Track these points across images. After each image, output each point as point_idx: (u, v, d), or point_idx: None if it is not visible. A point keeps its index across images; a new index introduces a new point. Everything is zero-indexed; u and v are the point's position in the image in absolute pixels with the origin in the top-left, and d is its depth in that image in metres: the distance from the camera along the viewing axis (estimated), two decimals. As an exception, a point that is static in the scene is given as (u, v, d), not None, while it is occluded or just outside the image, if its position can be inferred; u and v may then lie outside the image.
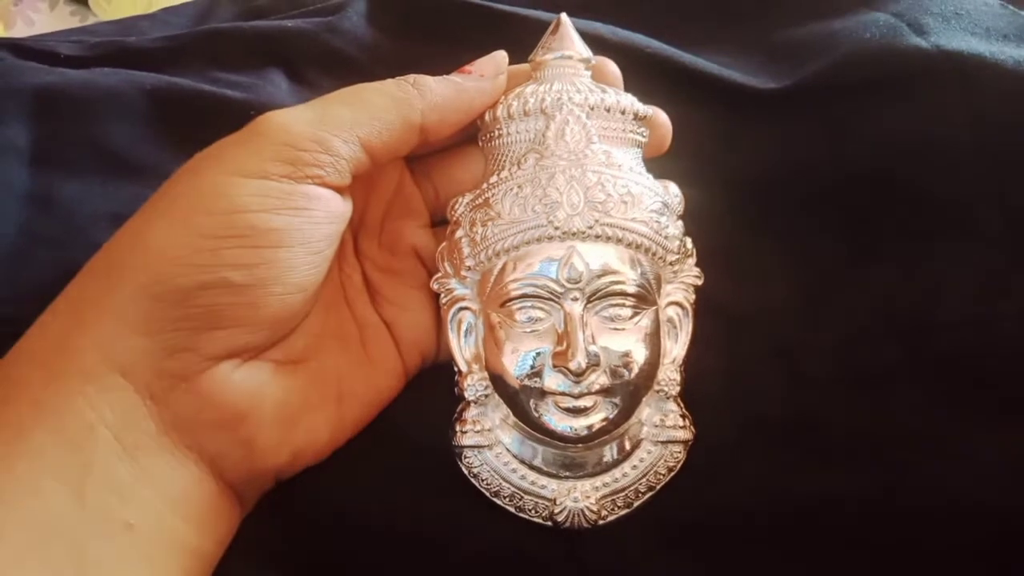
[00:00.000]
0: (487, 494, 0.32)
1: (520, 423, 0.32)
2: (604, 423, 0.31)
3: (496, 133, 0.33)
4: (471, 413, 0.33)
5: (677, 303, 0.33)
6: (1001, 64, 0.34)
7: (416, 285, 0.35)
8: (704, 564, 0.32)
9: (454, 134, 0.34)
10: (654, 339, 0.32)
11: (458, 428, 0.33)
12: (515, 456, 0.33)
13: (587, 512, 0.31)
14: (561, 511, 0.32)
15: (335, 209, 0.30)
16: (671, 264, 0.33)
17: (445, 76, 0.33)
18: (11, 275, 0.36)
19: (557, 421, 0.31)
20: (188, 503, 0.28)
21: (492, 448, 0.32)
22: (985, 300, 0.33)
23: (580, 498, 0.32)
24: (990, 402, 0.32)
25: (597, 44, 0.36)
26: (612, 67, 0.35)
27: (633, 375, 0.31)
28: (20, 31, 0.72)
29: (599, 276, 0.31)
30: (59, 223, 0.38)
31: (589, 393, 0.31)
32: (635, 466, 0.32)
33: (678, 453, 0.32)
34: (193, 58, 0.46)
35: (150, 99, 0.42)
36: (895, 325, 0.34)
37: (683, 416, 0.33)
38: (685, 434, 0.32)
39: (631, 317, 0.31)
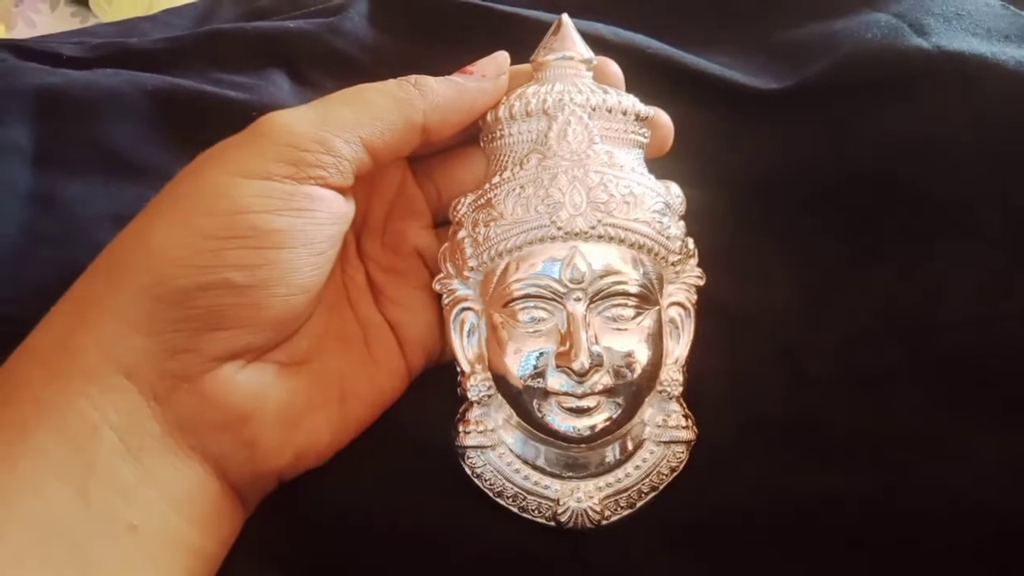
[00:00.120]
0: (490, 494, 0.32)
1: (523, 423, 0.32)
2: (607, 423, 0.31)
3: (498, 134, 0.33)
4: (474, 413, 0.33)
5: (679, 303, 0.33)
6: (1002, 65, 0.34)
7: (419, 285, 0.35)
8: (707, 564, 0.32)
9: (456, 135, 0.34)
10: (657, 339, 0.32)
11: (461, 428, 0.33)
12: (518, 456, 0.33)
13: (590, 512, 0.32)
14: (564, 511, 0.32)
15: (338, 210, 0.30)
16: (673, 264, 0.33)
17: (447, 76, 0.33)
18: (13, 275, 0.36)
19: (560, 421, 0.31)
20: (192, 504, 0.28)
21: (495, 448, 0.32)
22: (987, 300, 0.33)
23: (583, 498, 0.32)
24: (992, 402, 0.32)
25: (598, 45, 0.36)
26: (614, 67, 0.35)
27: (636, 375, 0.31)
28: (21, 32, 0.72)
29: (602, 276, 0.31)
30: (61, 223, 0.38)
31: (592, 393, 0.31)
32: (638, 466, 0.32)
33: (681, 453, 0.32)
34: (195, 59, 0.46)
35: (152, 100, 0.42)
36: (897, 325, 0.34)
37: (686, 416, 0.33)
38: (688, 434, 0.32)
39: (634, 317, 0.31)
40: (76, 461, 0.26)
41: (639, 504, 0.32)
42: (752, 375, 0.34)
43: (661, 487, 0.32)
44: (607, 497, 0.32)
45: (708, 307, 0.34)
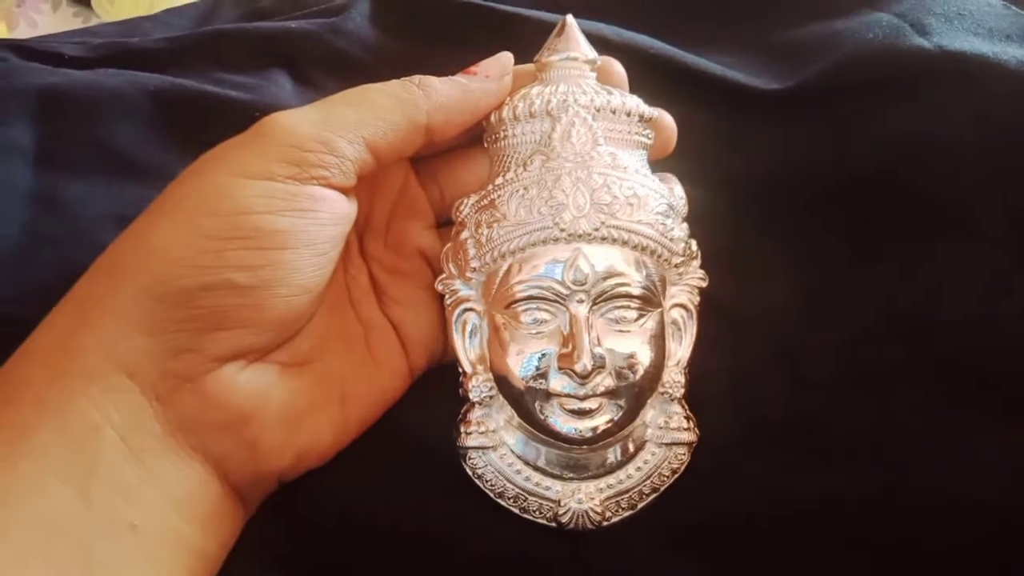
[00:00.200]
0: (491, 495, 0.32)
1: (524, 424, 0.32)
2: (609, 425, 0.31)
3: (502, 134, 0.33)
4: (475, 414, 0.33)
5: (682, 305, 0.33)
6: (1004, 64, 0.34)
7: (422, 286, 0.35)
8: (708, 565, 0.32)
9: (459, 135, 0.34)
10: (659, 341, 0.32)
11: (462, 429, 0.33)
12: (519, 457, 0.33)
13: (591, 513, 0.32)
14: (565, 512, 0.32)
15: (340, 210, 0.30)
16: (676, 266, 0.33)
17: (450, 77, 0.33)
18: (15, 275, 0.36)
19: (562, 423, 0.31)
20: (193, 505, 0.28)
21: (496, 449, 0.32)
22: (988, 300, 0.33)
23: (584, 499, 0.32)
24: (992, 402, 0.32)
25: (600, 45, 0.36)
26: (617, 68, 0.35)
27: (638, 377, 0.31)
28: (23, 32, 0.72)
29: (605, 278, 0.31)
30: (63, 223, 0.38)
31: (594, 395, 0.31)
32: (639, 468, 0.32)
33: (682, 455, 0.32)
34: (196, 59, 0.46)
35: (154, 100, 0.42)
36: (898, 325, 0.34)
37: (687, 418, 0.33)
38: (689, 436, 0.32)
39: (636, 319, 0.31)
40: (77, 461, 0.26)
41: (640, 505, 0.32)
42: (753, 376, 0.34)
43: (662, 488, 0.32)
44: (608, 498, 0.32)
45: (710, 308, 0.34)
